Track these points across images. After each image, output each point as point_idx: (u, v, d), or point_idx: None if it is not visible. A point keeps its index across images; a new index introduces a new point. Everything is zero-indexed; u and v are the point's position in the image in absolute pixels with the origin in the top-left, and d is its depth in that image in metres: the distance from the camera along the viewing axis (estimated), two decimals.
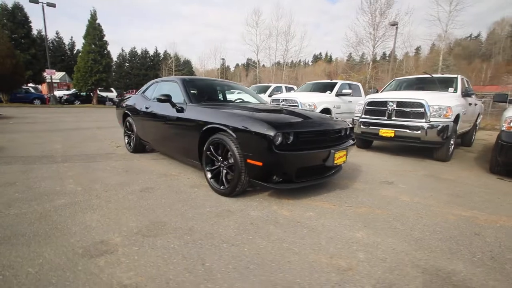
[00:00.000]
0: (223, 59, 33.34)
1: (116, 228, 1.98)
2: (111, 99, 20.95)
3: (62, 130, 7.19)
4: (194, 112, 2.98)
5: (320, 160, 2.53)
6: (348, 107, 7.57)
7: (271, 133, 2.21)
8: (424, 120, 4.59)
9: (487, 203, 2.80)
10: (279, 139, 2.22)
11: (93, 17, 20.02)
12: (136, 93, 4.89)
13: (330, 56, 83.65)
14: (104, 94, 20.95)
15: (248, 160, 2.36)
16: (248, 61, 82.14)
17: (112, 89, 23.02)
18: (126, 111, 4.63)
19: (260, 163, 2.29)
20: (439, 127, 4.50)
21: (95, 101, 19.92)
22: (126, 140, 4.76)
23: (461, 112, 4.94)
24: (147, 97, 4.18)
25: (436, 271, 1.62)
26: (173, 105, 3.29)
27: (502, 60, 47.90)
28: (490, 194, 3.11)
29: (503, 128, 3.75)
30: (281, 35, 33.05)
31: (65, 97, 20.02)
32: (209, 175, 2.82)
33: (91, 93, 20.24)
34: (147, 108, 3.93)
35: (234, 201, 2.58)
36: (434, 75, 6.11)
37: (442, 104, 4.56)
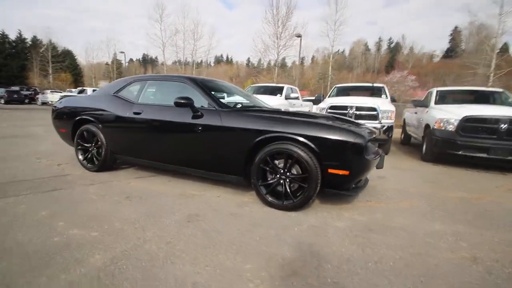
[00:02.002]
0: (122, 52, 28.82)
1: (245, 278, 1.52)
2: None
3: None
4: (236, 120, 2.57)
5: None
6: (293, 110, 8.17)
7: (362, 141, 2.20)
8: (377, 122, 5.53)
9: (456, 185, 3.68)
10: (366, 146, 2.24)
11: None
12: (96, 93, 3.72)
13: (231, 59, 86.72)
14: None
15: (330, 170, 2.26)
16: (145, 56, 74.98)
17: None
18: (83, 118, 3.45)
19: (346, 172, 2.24)
20: (386, 127, 5.54)
21: None
22: (81, 157, 3.55)
23: None
24: (129, 99, 3.24)
25: None
26: (195, 110, 2.72)
27: (361, 71, 62.38)
28: (447, 178, 4.09)
29: (435, 127, 4.96)
30: (188, 33, 31.84)
31: None
32: (263, 190, 2.51)
33: None
34: (137, 113, 3.06)
35: (303, 214, 2.40)
36: (372, 84, 7.43)
37: (388, 109, 5.62)
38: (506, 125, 4.20)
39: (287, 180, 2.45)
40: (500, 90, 5.71)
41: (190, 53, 32.46)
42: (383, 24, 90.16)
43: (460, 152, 4.51)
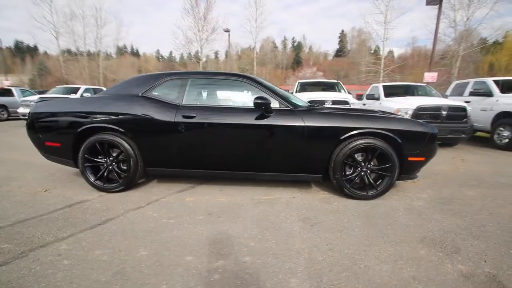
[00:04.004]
0: None
1: (438, 260, 1.65)
2: None
3: None
4: (320, 119, 2.56)
5: None
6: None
7: (436, 131, 2.61)
8: None
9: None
10: None
11: None
12: (106, 94, 2.91)
13: (137, 50, 78.53)
14: None
15: (410, 158, 2.59)
16: (19, 43, 59.06)
17: None
18: (96, 126, 2.68)
19: (423, 158, 2.62)
20: None
21: None
22: (92, 177, 2.77)
23: None
24: (169, 101, 2.69)
25: None
26: (270, 111, 2.57)
27: (272, 67, 67.23)
28: None
29: None
30: (88, 18, 26.92)
31: None
32: (347, 184, 2.64)
33: None
34: (187, 117, 2.59)
35: (385, 201, 2.66)
36: (337, 81, 8.27)
37: (355, 101, 6.52)
38: (445, 111, 5.58)
39: (368, 171, 2.65)
40: (424, 84, 7.45)
41: (93, 41, 27.64)
42: (286, 24, 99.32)
43: None
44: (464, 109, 5.64)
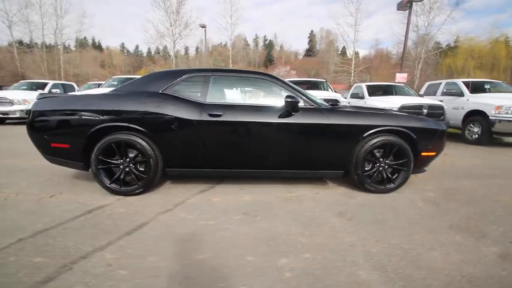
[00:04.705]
0: None
1: (475, 243, 1.82)
2: None
3: None
4: (345, 117, 2.66)
5: None
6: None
7: (445, 128, 2.84)
8: None
9: None
10: None
11: None
12: (121, 91, 2.70)
13: (99, 43, 73.49)
14: None
15: (423, 153, 2.79)
16: None
17: None
18: (112, 124, 2.49)
19: (434, 153, 2.84)
20: None
21: None
22: (107, 180, 2.58)
23: None
24: (193, 99, 2.59)
25: None
26: (297, 110, 2.60)
27: (244, 65, 67.13)
28: None
29: None
30: (46, 7, 24.61)
31: None
32: (368, 179, 2.77)
33: None
34: (214, 115, 2.52)
35: (399, 194, 2.85)
36: (325, 80, 8.51)
37: (344, 100, 6.81)
38: (426, 110, 6.07)
39: (386, 166, 2.81)
40: (402, 85, 8.00)
41: (53, 33, 25.36)
42: (257, 23, 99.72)
43: None
44: (441, 108, 6.19)
